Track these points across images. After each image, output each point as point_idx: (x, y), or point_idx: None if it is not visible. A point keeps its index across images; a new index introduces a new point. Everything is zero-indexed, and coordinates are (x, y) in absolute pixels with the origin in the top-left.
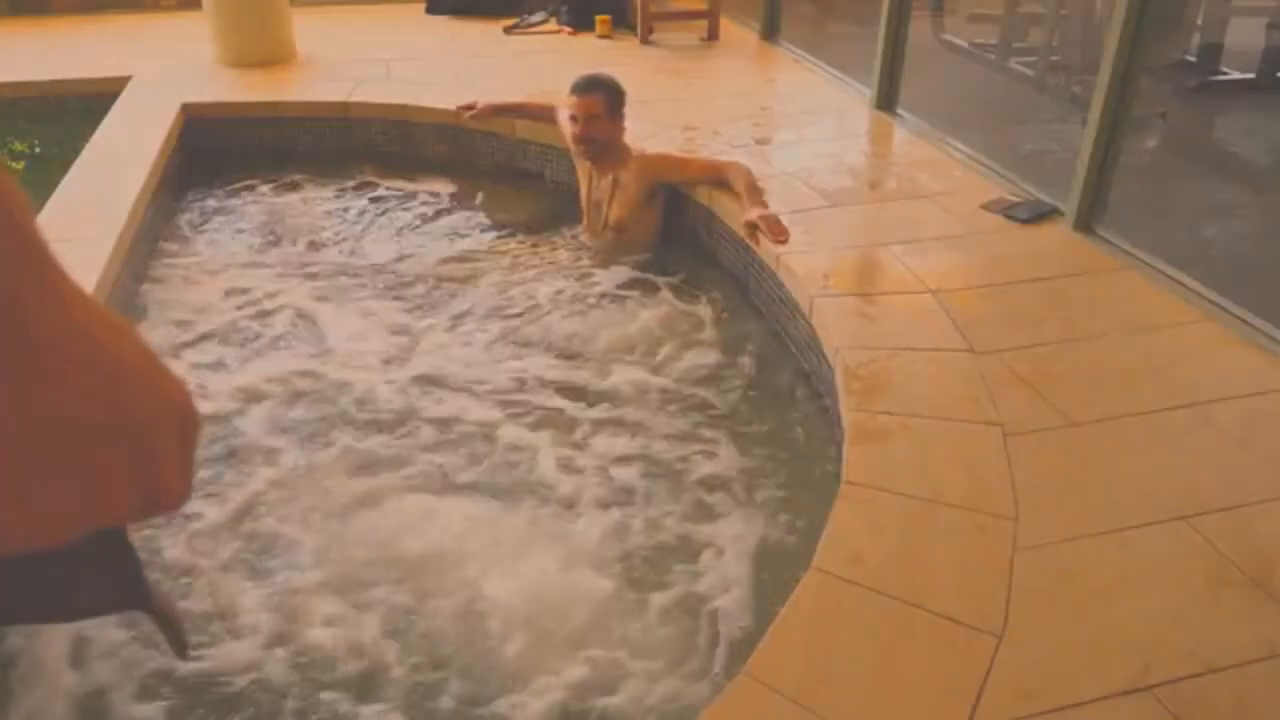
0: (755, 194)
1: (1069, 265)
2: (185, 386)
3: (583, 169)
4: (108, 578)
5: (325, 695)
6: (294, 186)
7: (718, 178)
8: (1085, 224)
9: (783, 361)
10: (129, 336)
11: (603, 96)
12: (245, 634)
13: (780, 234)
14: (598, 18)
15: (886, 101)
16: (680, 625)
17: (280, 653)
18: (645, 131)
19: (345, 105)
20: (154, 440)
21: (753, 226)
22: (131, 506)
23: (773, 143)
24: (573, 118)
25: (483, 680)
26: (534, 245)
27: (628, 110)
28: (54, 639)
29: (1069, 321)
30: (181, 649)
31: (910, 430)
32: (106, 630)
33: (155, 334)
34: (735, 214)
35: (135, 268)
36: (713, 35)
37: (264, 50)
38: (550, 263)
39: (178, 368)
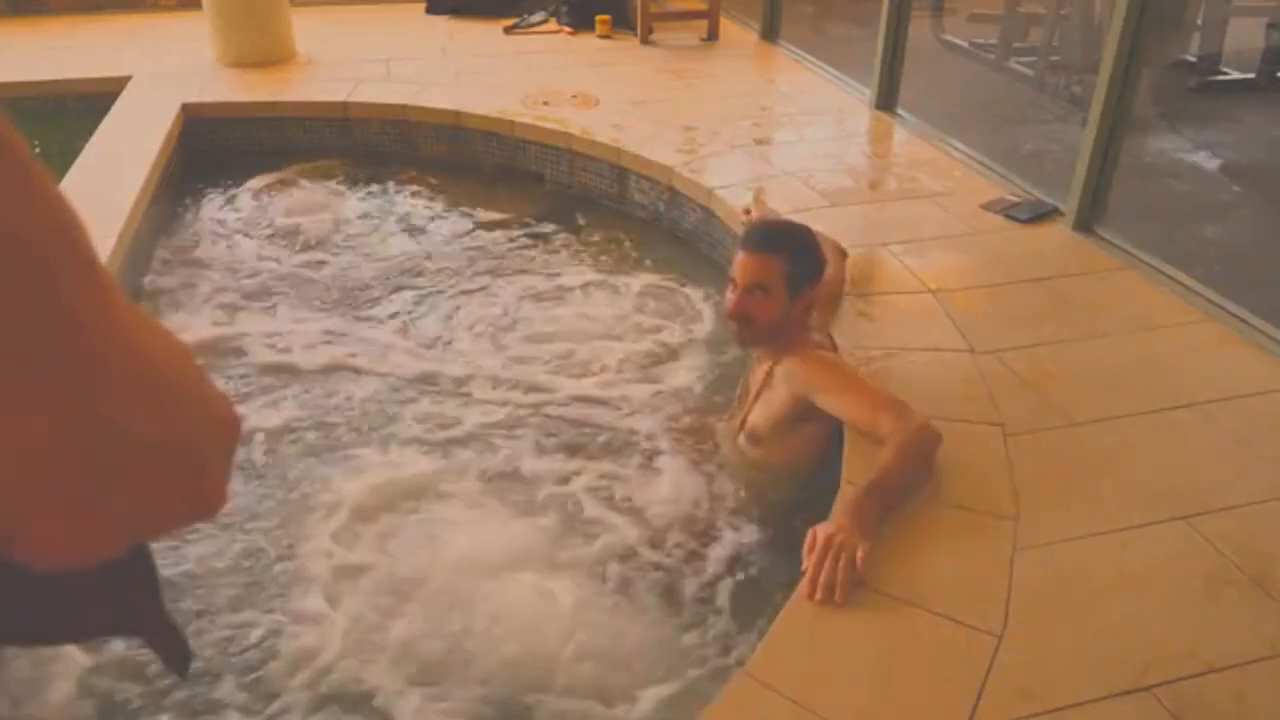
0: (874, 496)
1: (1069, 265)
2: (228, 399)
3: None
4: (126, 595)
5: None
6: (293, 186)
7: (873, 429)
8: (1085, 224)
9: None
10: (174, 347)
11: (784, 261)
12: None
13: (832, 590)
14: (598, 18)
15: (886, 101)
16: (680, 625)
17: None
18: (645, 132)
19: (345, 105)
20: (202, 453)
21: (826, 546)
22: (177, 517)
23: (773, 143)
24: (731, 280)
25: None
26: (534, 246)
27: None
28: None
29: (1069, 321)
30: (183, 666)
31: None
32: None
33: None
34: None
35: (135, 268)
36: (713, 35)
37: (264, 50)
38: (549, 263)
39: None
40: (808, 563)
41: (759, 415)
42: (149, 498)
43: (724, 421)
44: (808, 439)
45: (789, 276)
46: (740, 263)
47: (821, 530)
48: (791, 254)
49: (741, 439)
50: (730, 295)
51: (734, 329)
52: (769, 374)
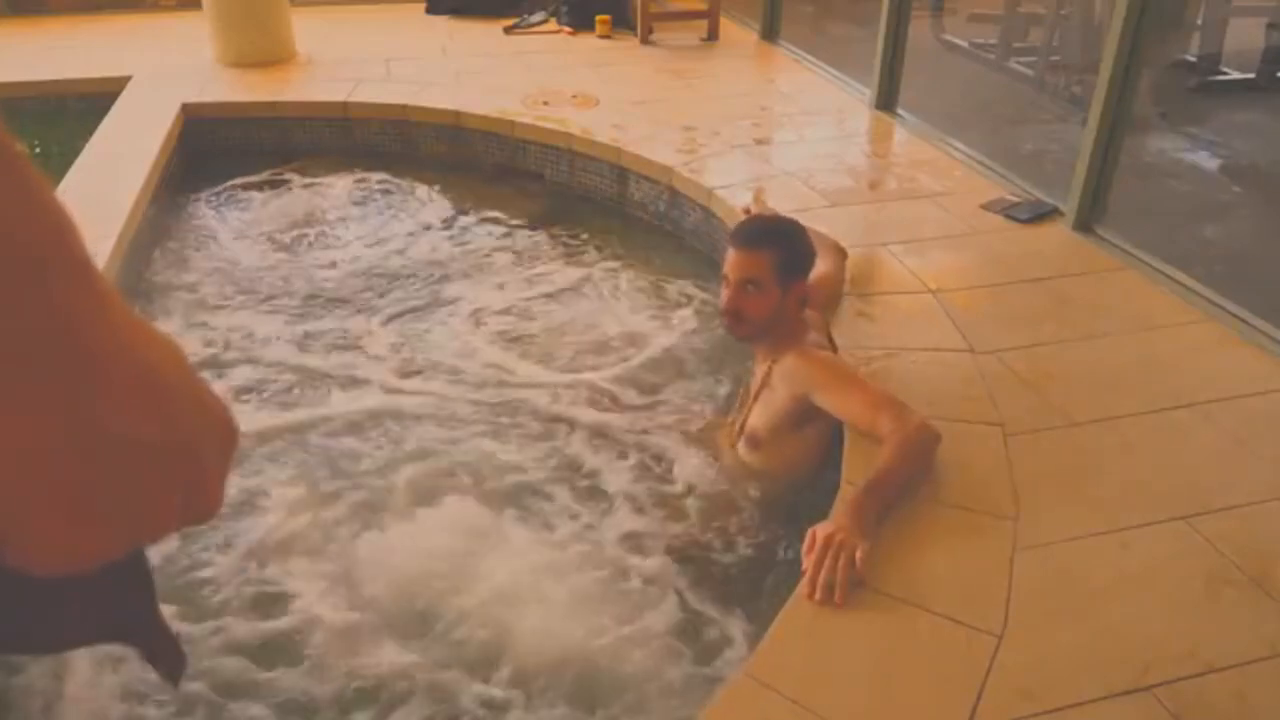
0: (874, 496)
1: (1069, 265)
2: (224, 401)
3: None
4: (122, 599)
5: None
6: (293, 186)
7: (872, 428)
8: (1085, 224)
9: None
10: (170, 349)
11: (774, 255)
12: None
13: (831, 591)
14: (598, 18)
15: (886, 101)
16: (679, 625)
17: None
18: (645, 132)
19: (345, 105)
20: (200, 456)
21: (825, 546)
22: (175, 520)
23: (773, 143)
24: (724, 277)
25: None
26: (534, 246)
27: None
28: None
29: (1069, 321)
30: (177, 673)
31: None
32: None
33: None
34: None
35: (134, 267)
36: (713, 35)
37: (264, 50)
38: (548, 263)
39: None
40: (807, 563)
41: (758, 416)
42: (147, 500)
43: (724, 424)
44: (808, 442)
45: (779, 270)
46: (731, 259)
47: (821, 530)
48: (781, 247)
49: (741, 442)
50: (724, 292)
51: (728, 325)
52: (768, 373)
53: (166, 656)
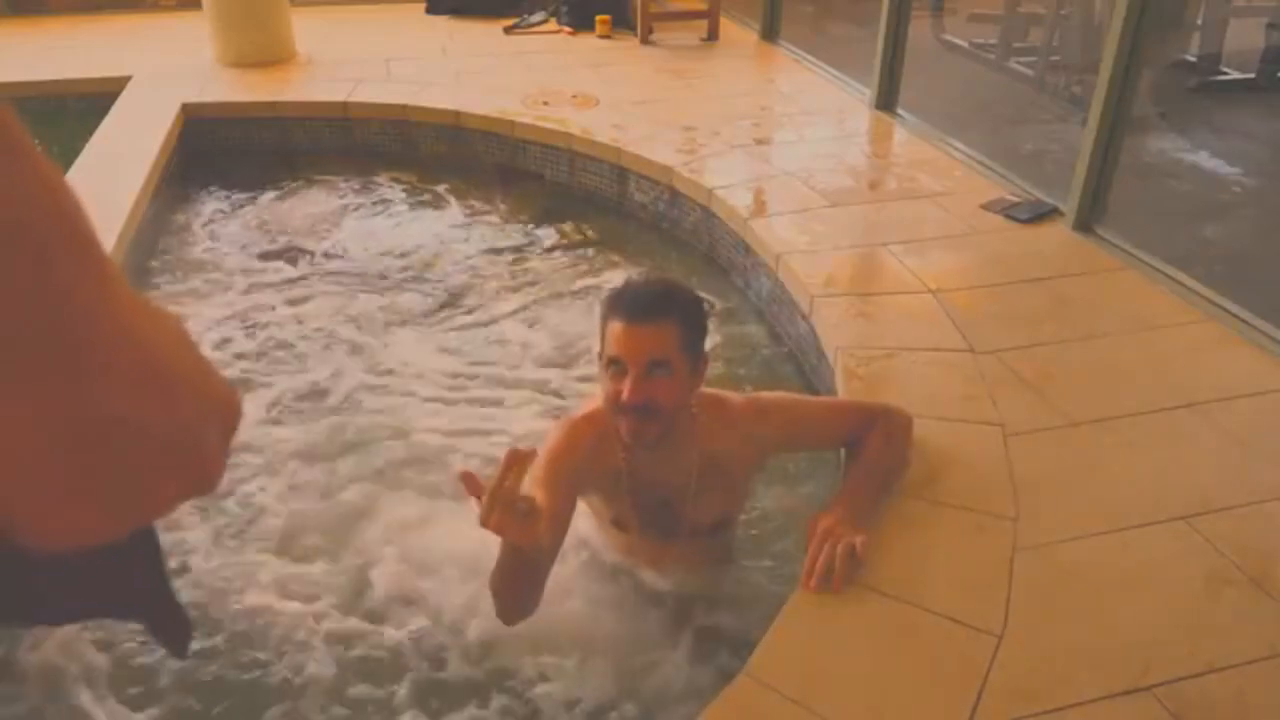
0: (868, 486)
1: (1069, 265)
2: (228, 381)
3: (611, 442)
4: (132, 576)
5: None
6: (294, 186)
7: (851, 436)
8: (1085, 224)
9: (782, 361)
10: (174, 329)
11: (677, 326)
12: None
13: (829, 578)
14: (598, 18)
15: (886, 101)
16: (679, 625)
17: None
18: (645, 132)
19: (345, 105)
20: (201, 436)
21: (825, 536)
22: (176, 498)
23: (773, 143)
24: (612, 361)
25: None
26: (533, 246)
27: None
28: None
29: (1069, 321)
30: (184, 646)
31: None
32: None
33: None
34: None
35: (134, 267)
36: (713, 35)
37: (264, 50)
38: (548, 263)
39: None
40: (809, 553)
41: (722, 502)
42: (148, 481)
43: (621, 548)
44: (751, 476)
45: (687, 346)
46: (623, 337)
47: (822, 521)
48: (681, 317)
49: (680, 544)
50: (616, 383)
51: (632, 426)
52: (703, 458)
53: (173, 629)
